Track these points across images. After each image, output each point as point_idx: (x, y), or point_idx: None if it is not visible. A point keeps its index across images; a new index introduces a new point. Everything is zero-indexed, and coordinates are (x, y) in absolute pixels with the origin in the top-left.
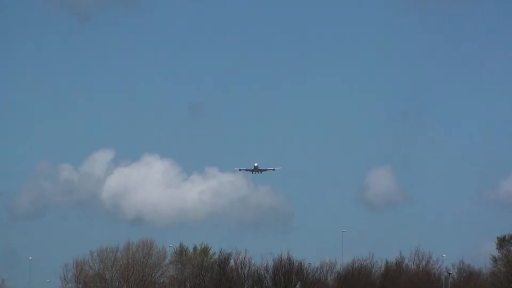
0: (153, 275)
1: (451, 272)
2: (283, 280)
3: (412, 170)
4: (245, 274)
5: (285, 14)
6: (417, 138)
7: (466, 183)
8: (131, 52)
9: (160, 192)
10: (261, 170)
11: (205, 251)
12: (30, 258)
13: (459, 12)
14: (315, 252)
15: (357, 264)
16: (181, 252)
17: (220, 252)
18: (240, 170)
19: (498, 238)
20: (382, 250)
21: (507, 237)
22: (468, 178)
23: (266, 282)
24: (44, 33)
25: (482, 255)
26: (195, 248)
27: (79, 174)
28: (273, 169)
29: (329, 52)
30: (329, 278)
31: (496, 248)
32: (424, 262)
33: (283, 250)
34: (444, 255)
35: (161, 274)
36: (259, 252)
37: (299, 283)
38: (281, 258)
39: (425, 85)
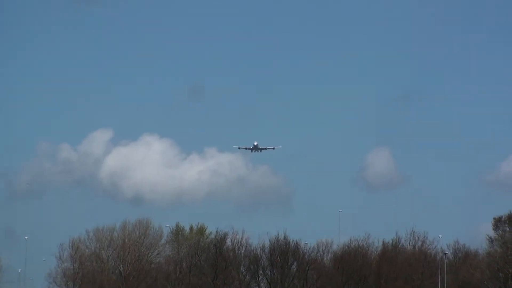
0: (149, 254)
1: (447, 252)
2: (279, 260)
3: (411, 151)
4: (242, 254)
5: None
6: (417, 120)
7: (464, 164)
8: (132, 33)
9: (158, 171)
10: (261, 149)
11: (201, 231)
12: (26, 237)
13: None
14: (314, 232)
15: (353, 244)
16: (178, 232)
17: (216, 232)
18: (239, 148)
19: (494, 218)
20: (379, 230)
21: (503, 218)
22: (466, 159)
23: (262, 262)
24: (44, 13)
25: (479, 236)
26: (191, 228)
27: (78, 153)
28: (273, 148)
29: (331, 34)
30: (325, 258)
31: (492, 228)
32: (420, 243)
33: (281, 230)
34: (440, 236)
35: (157, 254)
36: (258, 232)
37: (295, 263)
38: (277, 238)
39: (426, 68)
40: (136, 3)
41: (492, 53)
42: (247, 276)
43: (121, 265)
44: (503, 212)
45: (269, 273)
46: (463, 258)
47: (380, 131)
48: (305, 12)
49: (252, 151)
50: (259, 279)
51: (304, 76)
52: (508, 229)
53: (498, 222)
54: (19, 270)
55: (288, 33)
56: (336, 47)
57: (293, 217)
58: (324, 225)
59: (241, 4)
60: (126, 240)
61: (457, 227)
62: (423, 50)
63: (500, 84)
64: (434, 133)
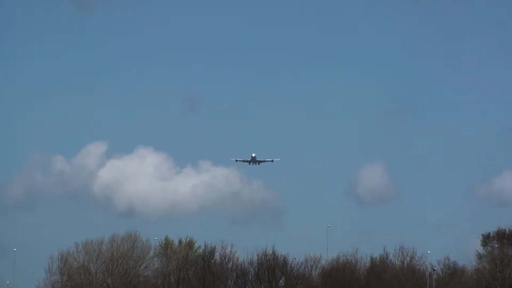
0: (137, 268)
1: (435, 268)
2: (267, 275)
3: (404, 167)
4: (229, 268)
5: (281, 7)
6: (411, 135)
7: (457, 180)
8: (127, 44)
9: (152, 185)
10: (259, 162)
11: (190, 244)
12: (15, 249)
13: (456, 9)
14: (305, 247)
15: (341, 259)
16: (166, 245)
17: (205, 246)
18: (236, 161)
19: (483, 235)
20: (369, 245)
21: (492, 234)
22: (459, 174)
23: (250, 276)
24: (39, 22)
25: (469, 252)
26: (180, 242)
27: (71, 166)
28: (272, 161)
29: (326, 47)
30: (313, 273)
31: (481, 245)
32: (408, 258)
33: (272, 244)
34: (428, 252)
35: (145, 267)
36: (249, 246)
37: (283, 278)
38: (265, 252)
39: (421, 82)
40: (131, 12)
41: (488, 66)
42: None
43: (109, 278)
44: (492, 228)
45: (256, 287)
46: (452, 274)
47: (374, 144)
48: (299, 27)
49: (250, 164)
50: None
51: (299, 90)
52: (496, 245)
53: (486, 239)
54: (8, 282)
55: (284, 46)
56: (333, 60)
57: (285, 232)
58: (315, 240)
59: (237, 15)
60: (115, 253)
61: (446, 243)
62: (419, 65)
63: (497, 101)
64: (429, 147)
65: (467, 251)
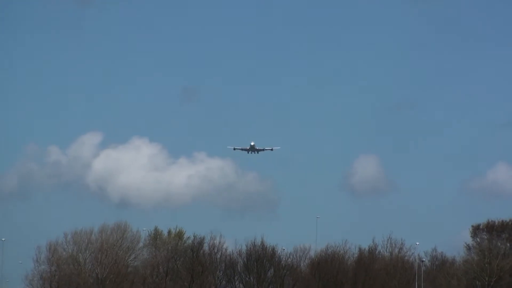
0: (126, 258)
1: (424, 260)
2: (255, 265)
3: (398, 160)
4: (218, 259)
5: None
6: (408, 128)
7: (449, 172)
8: (122, 37)
9: (146, 175)
10: (258, 150)
11: (179, 235)
12: (3, 239)
13: (452, 7)
14: (298, 238)
15: (330, 250)
16: (156, 235)
17: (194, 236)
18: (234, 149)
19: (472, 226)
20: (361, 237)
21: (481, 226)
22: (452, 167)
23: (238, 267)
24: (33, 16)
25: (459, 244)
26: (169, 232)
27: (67, 156)
28: (271, 149)
29: (326, 42)
30: (302, 264)
31: (470, 236)
32: (397, 250)
33: (266, 235)
34: (417, 243)
35: (135, 257)
36: (241, 237)
37: (272, 269)
38: (254, 243)
39: (415, 78)
40: (128, 5)
41: (480, 62)
42: (224, 281)
43: (98, 268)
44: (484, 220)
45: (245, 278)
46: (440, 265)
47: (370, 138)
48: (298, 22)
49: (248, 152)
50: (236, 284)
51: (297, 84)
52: (486, 237)
53: (476, 230)
54: None
55: (281, 41)
56: (331, 54)
57: (278, 223)
58: (307, 231)
59: (234, 6)
60: (104, 243)
61: (437, 235)
62: (414, 60)
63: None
64: (423, 141)
65: (458, 243)
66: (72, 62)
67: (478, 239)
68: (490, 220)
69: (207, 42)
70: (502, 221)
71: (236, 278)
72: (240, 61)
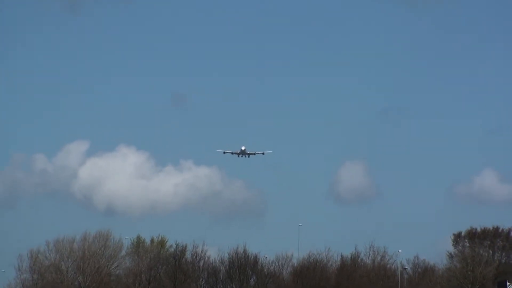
0: (109, 266)
1: (406, 267)
2: (238, 273)
3: (384, 167)
4: (200, 267)
5: (270, 5)
6: (395, 135)
7: (433, 180)
8: (109, 43)
9: (133, 183)
10: (249, 154)
11: (162, 243)
12: None
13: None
14: (282, 245)
15: (312, 258)
16: (138, 244)
17: (176, 244)
18: (224, 153)
19: (454, 234)
20: (344, 245)
21: (463, 233)
22: (436, 175)
23: (221, 275)
24: (19, 23)
25: (442, 252)
26: (152, 240)
27: (53, 164)
28: (263, 153)
29: (313, 48)
30: (284, 272)
31: (452, 244)
32: (379, 257)
33: (245, 243)
34: (400, 250)
35: (117, 265)
36: (224, 245)
37: (254, 277)
38: (236, 251)
39: (402, 84)
40: (113, 10)
41: (468, 67)
42: None
43: (81, 277)
44: (466, 227)
45: (228, 286)
46: (423, 273)
47: (357, 145)
48: (289, 27)
49: (239, 156)
50: None
51: (284, 90)
52: (468, 244)
53: (457, 238)
54: None
55: (271, 46)
56: (319, 61)
57: (263, 231)
58: (291, 239)
59: (226, 9)
60: (86, 251)
61: (420, 242)
62: (401, 66)
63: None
64: (410, 148)
65: (441, 250)
66: (58, 70)
67: (460, 247)
68: (472, 228)
69: (196, 48)
70: (484, 228)
71: (218, 286)
72: (229, 66)
